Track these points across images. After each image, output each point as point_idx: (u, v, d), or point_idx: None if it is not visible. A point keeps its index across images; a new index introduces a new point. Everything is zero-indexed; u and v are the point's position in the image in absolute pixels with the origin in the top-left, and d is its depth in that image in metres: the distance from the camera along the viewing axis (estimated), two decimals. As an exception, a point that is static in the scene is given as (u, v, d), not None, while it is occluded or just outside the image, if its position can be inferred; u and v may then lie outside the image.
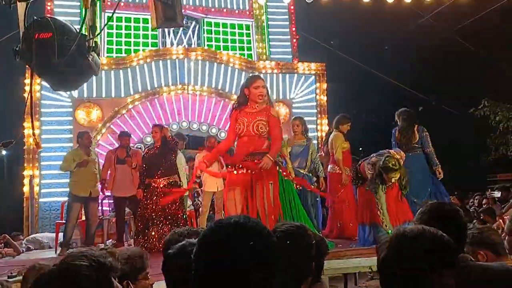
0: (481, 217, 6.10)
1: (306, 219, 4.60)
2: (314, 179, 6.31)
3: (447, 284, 1.49)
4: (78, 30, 2.39)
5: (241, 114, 4.32)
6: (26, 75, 8.27)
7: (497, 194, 6.64)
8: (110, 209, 7.75)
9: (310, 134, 9.58)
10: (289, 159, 6.15)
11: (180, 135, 7.62)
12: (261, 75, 9.60)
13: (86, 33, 2.40)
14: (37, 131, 8.23)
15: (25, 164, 8.34)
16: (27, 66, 8.08)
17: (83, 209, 6.77)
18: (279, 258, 1.09)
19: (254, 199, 4.16)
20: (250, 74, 9.65)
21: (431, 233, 1.58)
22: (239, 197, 4.21)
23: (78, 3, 9.09)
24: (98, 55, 2.58)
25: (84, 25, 2.42)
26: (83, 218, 6.90)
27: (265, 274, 1.05)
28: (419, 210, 2.21)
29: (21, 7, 2.40)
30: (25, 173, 8.32)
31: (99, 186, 6.77)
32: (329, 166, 6.34)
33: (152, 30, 9.31)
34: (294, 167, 6.05)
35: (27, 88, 8.31)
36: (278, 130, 4.30)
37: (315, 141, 9.74)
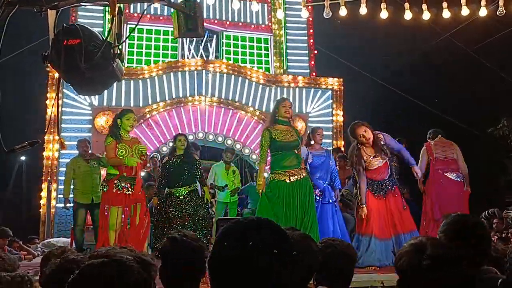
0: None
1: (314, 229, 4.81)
2: (333, 193, 6.07)
3: None
4: (104, 38, 2.50)
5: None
6: (49, 85, 8.50)
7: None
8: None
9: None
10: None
11: (195, 145, 7.58)
12: (278, 89, 9.76)
13: (111, 41, 2.51)
14: (56, 137, 8.41)
15: (44, 170, 8.51)
16: (49, 72, 8.30)
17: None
18: (290, 253, 1.18)
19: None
20: (268, 88, 9.75)
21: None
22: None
23: (101, 14, 9.35)
24: (122, 62, 2.67)
25: (109, 33, 2.52)
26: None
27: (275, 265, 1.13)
28: (443, 222, 2.24)
29: (51, 15, 2.51)
30: (43, 178, 8.48)
31: None
32: None
33: (173, 40, 9.49)
34: (315, 178, 5.90)
35: (49, 96, 8.53)
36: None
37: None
